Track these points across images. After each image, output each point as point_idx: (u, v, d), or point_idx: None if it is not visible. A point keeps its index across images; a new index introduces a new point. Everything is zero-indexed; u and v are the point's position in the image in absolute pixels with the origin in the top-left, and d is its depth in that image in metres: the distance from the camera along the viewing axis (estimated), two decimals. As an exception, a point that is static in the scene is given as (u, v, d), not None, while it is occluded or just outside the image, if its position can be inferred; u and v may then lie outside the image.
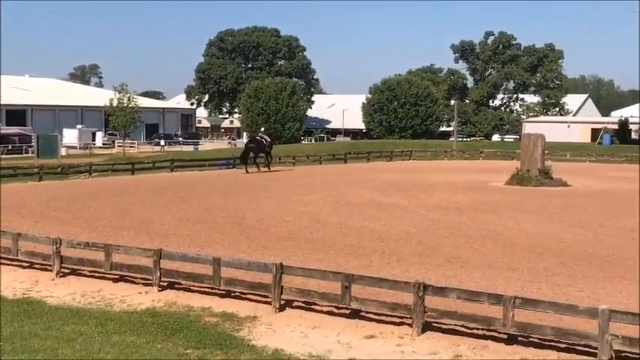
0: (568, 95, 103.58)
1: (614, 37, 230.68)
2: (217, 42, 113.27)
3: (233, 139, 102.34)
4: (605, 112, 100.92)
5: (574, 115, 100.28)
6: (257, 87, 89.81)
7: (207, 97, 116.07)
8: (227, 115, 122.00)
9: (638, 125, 74.15)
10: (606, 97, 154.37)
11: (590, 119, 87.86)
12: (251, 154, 40.93)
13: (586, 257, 15.38)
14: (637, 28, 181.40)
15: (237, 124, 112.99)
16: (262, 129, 46.99)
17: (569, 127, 78.61)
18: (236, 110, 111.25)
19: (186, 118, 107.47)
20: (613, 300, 11.39)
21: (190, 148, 79.84)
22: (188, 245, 16.12)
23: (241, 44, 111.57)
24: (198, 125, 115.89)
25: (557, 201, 26.19)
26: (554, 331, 9.49)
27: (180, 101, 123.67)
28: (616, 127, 73.90)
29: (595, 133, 73.26)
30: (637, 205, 25.14)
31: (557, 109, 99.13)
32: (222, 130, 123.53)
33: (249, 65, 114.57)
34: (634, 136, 74.45)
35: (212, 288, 12.38)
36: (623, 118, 74.82)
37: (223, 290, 12.29)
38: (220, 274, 12.19)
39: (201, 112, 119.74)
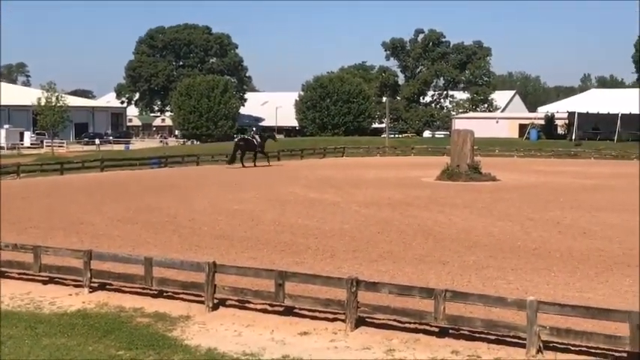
0: (496, 92, 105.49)
1: (539, 34, 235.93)
2: (148, 40, 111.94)
3: (165, 138, 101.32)
4: (532, 107, 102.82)
5: (502, 111, 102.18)
6: (188, 85, 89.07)
7: (137, 95, 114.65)
8: (158, 114, 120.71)
9: (563, 121, 75.92)
10: (533, 94, 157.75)
11: (517, 115, 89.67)
12: (239, 152, 43.10)
13: (514, 250, 15.71)
14: (562, 25, 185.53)
15: (168, 122, 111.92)
16: (254, 129, 48.26)
17: (497, 122, 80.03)
18: (167, 108, 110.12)
19: (117, 116, 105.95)
20: (541, 291, 11.67)
21: (121, 147, 78.74)
22: (119, 246, 15.91)
23: (172, 42, 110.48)
24: (129, 124, 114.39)
25: (486, 195, 26.68)
26: (484, 323, 9.67)
27: (110, 100, 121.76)
28: (542, 122, 75.54)
29: (522, 128, 74.76)
30: (562, 198, 25.84)
31: (486, 105, 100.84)
32: (154, 129, 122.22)
33: (181, 63, 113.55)
34: (560, 131, 76.24)
35: (144, 288, 12.25)
36: (549, 114, 76.46)
37: (155, 290, 12.17)
38: (152, 274, 12.06)
39: (132, 111, 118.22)
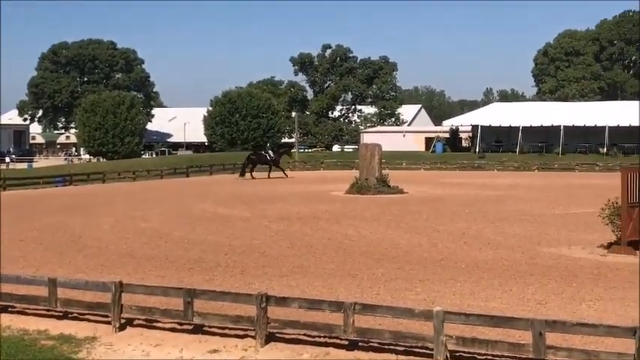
0: (403, 106, 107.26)
1: (444, 49, 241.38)
2: (50, 55, 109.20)
3: (70, 155, 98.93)
4: (438, 121, 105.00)
5: (409, 125, 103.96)
6: (93, 101, 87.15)
7: (41, 112, 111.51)
8: (63, 131, 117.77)
9: (467, 133, 77.77)
10: (438, 107, 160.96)
11: (423, 129, 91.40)
12: (250, 165, 47.18)
13: (421, 261, 15.97)
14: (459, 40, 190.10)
15: (73, 139, 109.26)
16: (268, 144, 50.61)
17: (404, 136, 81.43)
18: (72, 125, 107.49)
19: (19, 134, 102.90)
20: (447, 302, 11.89)
21: (24, 165, 76.43)
22: (22, 267, 15.41)
23: (76, 57, 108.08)
24: (32, 142, 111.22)
25: (394, 208, 27.06)
26: (392, 335, 9.79)
27: (12, 117, 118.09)
28: (447, 135, 77.19)
29: (428, 141, 76.26)
30: (468, 209, 26.45)
31: (393, 119, 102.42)
32: (58, 146, 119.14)
33: (85, 79, 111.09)
34: (464, 143, 78.07)
35: (48, 310, 11.91)
36: (453, 127, 78.19)
37: (60, 312, 11.85)
38: (57, 295, 11.74)
39: (35, 128, 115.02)
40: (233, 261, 16.27)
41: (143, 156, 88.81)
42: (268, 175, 46.75)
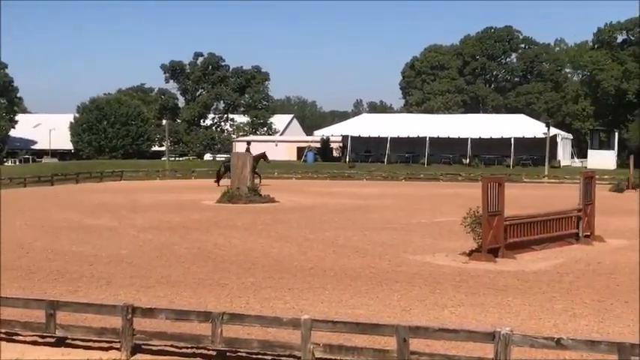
0: (275, 115, 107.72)
1: (316, 60, 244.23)
2: None
3: None
4: (309, 131, 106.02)
5: (281, 135, 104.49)
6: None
7: None
8: None
9: (338, 144, 79.01)
10: (310, 118, 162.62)
11: (295, 138, 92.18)
12: (226, 172, 43.86)
13: (291, 270, 16.08)
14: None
15: None
16: (244, 150, 47.84)
17: (276, 145, 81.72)
18: None
19: None
20: (316, 309, 12.02)
21: None
22: None
23: None
24: None
25: (265, 217, 27.13)
26: (260, 344, 9.80)
27: None
28: (319, 145, 78.19)
29: (300, 151, 77.03)
30: (337, 218, 26.85)
31: (266, 128, 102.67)
32: None
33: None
34: (335, 153, 79.25)
35: None
36: (324, 137, 79.26)
37: None
38: None
39: None
40: (99, 271, 15.87)
41: (6, 163, 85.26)
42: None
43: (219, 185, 43.25)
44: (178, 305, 11.92)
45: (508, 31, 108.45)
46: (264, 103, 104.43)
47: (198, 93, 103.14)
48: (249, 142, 52.33)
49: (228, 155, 48.34)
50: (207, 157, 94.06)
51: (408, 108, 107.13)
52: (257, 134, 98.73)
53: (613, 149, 73.57)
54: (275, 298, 13.16)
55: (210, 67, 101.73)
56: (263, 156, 48.44)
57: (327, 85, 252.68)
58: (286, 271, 15.92)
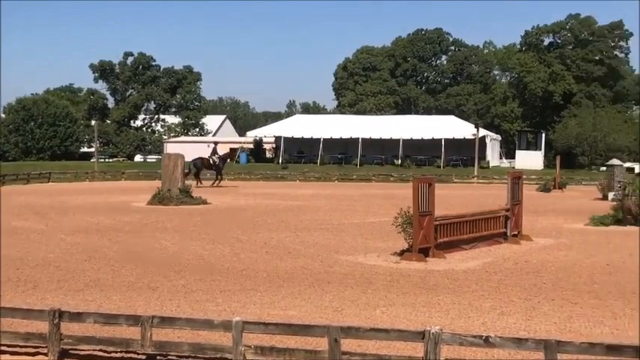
0: (207, 116, 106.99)
1: (249, 61, 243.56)
2: None
3: None
4: (242, 132, 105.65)
5: (213, 135, 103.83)
6: None
7: None
8: None
9: (271, 144, 78.96)
10: (243, 118, 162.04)
11: (228, 139, 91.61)
12: (193, 170, 45.87)
13: (223, 272, 15.97)
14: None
15: None
16: (212, 150, 48.75)
17: (209, 146, 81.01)
18: None
19: None
20: (248, 311, 11.96)
21: None
22: None
23: None
24: None
25: (197, 219, 26.91)
26: (191, 347, 9.70)
27: None
28: (252, 146, 78.01)
29: (233, 152, 76.64)
30: (270, 219, 26.80)
31: (198, 129, 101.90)
32: None
33: None
34: (268, 154, 79.18)
35: None
36: (257, 138, 79.12)
37: None
38: None
39: None
40: (25, 275, 15.48)
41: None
42: (218, 184, 46.39)
43: (201, 184, 44.37)
44: (107, 309, 11.72)
45: (438, 33, 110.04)
46: (196, 103, 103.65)
47: (128, 93, 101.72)
48: (216, 143, 52.11)
49: (199, 157, 48.39)
50: (138, 158, 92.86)
51: (340, 109, 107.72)
52: (189, 135, 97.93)
53: (540, 150, 75.39)
54: (206, 301, 13.05)
55: (141, 66, 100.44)
56: (230, 155, 48.66)
57: (260, 86, 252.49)
58: (218, 273, 15.81)
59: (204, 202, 33.19)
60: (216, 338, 9.97)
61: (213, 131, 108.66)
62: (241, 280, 15.10)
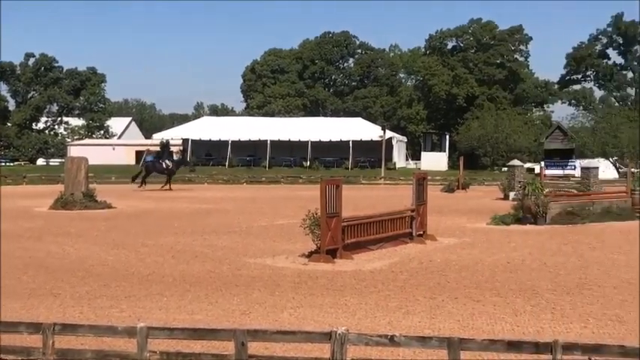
0: (112, 118, 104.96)
1: (154, 62, 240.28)
2: None
3: None
4: (148, 134, 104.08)
5: (119, 138, 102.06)
6: None
7: None
8: None
9: (178, 147, 78.04)
10: (149, 120, 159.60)
11: (134, 142, 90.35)
12: (143, 173, 45.71)
13: (128, 277, 15.71)
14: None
15: None
16: (165, 154, 47.19)
17: (114, 149, 79.88)
18: None
19: None
20: (153, 317, 11.80)
21: None
22: None
23: None
24: None
25: (101, 223, 26.37)
26: (94, 354, 9.49)
27: None
28: (158, 148, 76.84)
29: (139, 155, 75.49)
30: (177, 223, 26.50)
31: (102, 131, 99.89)
32: None
33: None
34: (175, 157, 78.15)
35: None
36: (164, 140, 77.98)
37: None
38: None
39: None
40: None
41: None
42: (169, 187, 45.17)
43: (142, 188, 43.93)
44: (8, 317, 11.35)
45: (345, 36, 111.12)
46: (101, 105, 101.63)
47: (29, 95, 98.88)
48: (167, 142, 51.03)
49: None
50: (41, 161, 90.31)
51: (249, 111, 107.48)
52: (93, 137, 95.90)
53: (444, 151, 77.10)
54: (111, 307, 12.81)
55: (43, 68, 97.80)
56: (184, 162, 47.79)
57: (167, 88, 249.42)
58: (123, 279, 15.54)
59: (109, 207, 32.53)
60: (121, 345, 9.80)
61: (119, 134, 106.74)
62: (147, 285, 14.88)
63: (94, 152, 61.19)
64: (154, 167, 46.57)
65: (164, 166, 46.25)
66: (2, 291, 14.30)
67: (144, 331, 9.22)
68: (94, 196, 33.12)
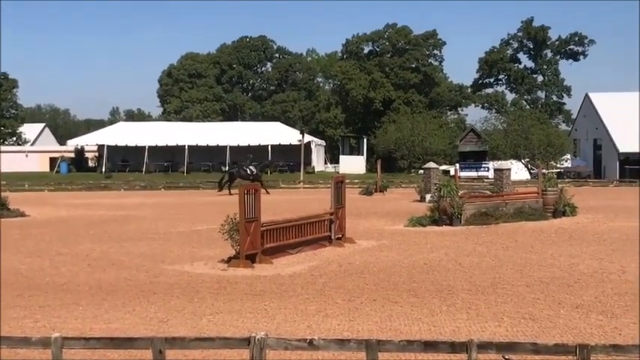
0: (25, 125, 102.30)
1: (68, 68, 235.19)
2: None
3: None
4: (63, 141, 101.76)
5: (32, 145, 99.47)
6: None
7: None
8: None
9: (94, 153, 76.70)
10: (63, 126, 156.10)
11: (47, 148, 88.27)
12: (226, 179, 46.39)
13: (43, 287, 15.35)
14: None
15: None
16: (249, 160, 47.31)
17: (27, 156, 77.89)
18: None
19: None
20: (69, 327, 11.57)
21: None
22: None
23: None
24: None
25: (14, 232, 25.66)
26: (7, 367, 9.28)
27: None
28: (73, 155, 75.45)
29: (53, 162, 73.94)
30: (93, 230, 26.02)
31: (15, 138, 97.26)
32: None
33: None
34: (90, 163, 76.84)
35: None
36: (79, 147, 76.62)
37: None
38: None
39: None
40: None
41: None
42: (266, 191, 42.60)
43: (220, 192, 45.00)
44: None
45: (263, 40, 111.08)
46: (13, 111, 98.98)
47: None
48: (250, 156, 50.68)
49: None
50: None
51: (166, 116, 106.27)
52: (5, 144, 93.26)
53: (362, 155, 77.84)
54: (24, 317, 12.50)
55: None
56: (267, 166, 47.71)
57: (81, 93, 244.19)
58: (37, 288, 15.17)
59: (23, 215, 31.71)
60: (36, 356, 9.61)
61: (32, 140, 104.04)
62: (62, 294, 14.57)
63: (6, 159, 59.54)
64: (238, 174, 46.68)
65: (248, 172, 46.57)
66: None
67: (59, 342, 9.03)
68: (6, 204, 32.21)
